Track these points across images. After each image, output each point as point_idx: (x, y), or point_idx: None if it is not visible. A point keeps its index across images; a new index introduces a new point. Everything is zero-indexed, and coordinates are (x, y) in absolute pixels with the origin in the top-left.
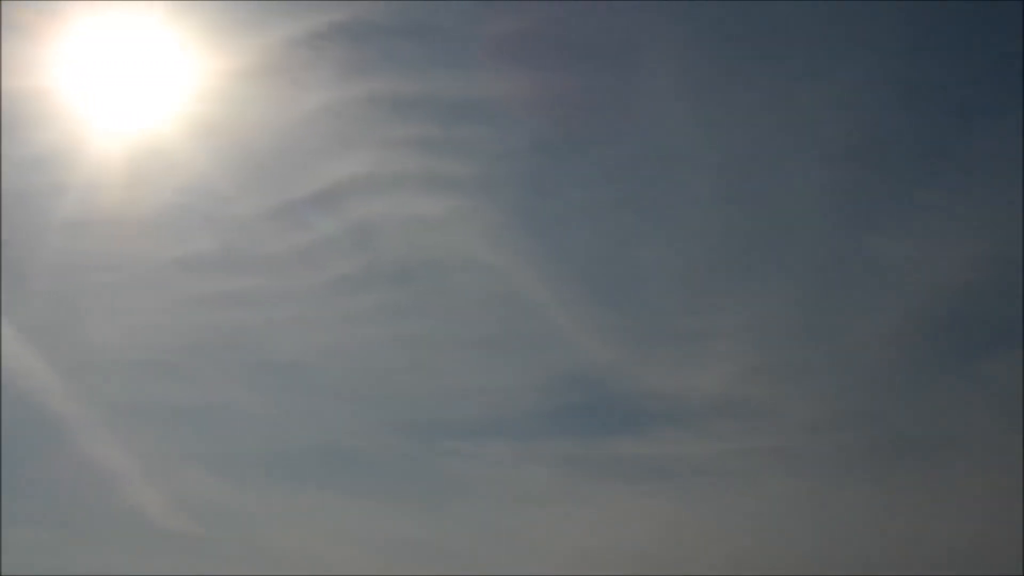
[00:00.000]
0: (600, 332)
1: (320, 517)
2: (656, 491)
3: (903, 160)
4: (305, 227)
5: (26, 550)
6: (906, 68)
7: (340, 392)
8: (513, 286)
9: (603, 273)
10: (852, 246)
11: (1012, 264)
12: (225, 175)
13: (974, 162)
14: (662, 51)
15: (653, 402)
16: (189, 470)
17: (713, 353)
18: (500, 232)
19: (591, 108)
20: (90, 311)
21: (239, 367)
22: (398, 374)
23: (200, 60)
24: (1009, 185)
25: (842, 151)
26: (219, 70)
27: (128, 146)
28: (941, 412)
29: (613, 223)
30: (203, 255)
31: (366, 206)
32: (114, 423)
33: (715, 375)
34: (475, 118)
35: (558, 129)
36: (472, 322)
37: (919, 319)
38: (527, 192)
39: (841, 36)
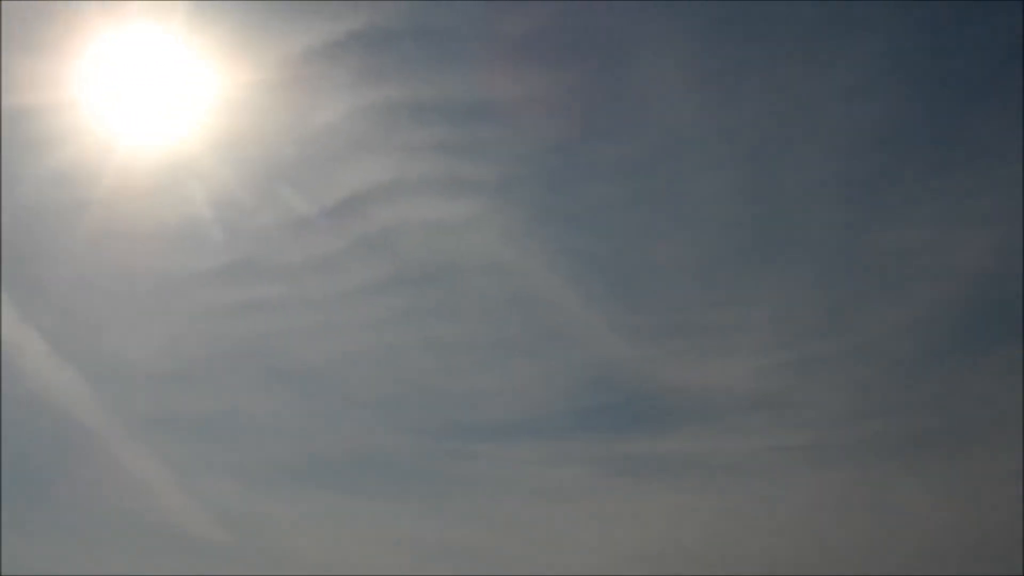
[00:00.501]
0: (623, 330)
1: (348, 521)
2: (685, 488)
3: (921, 147)
4: (327, 235)
5: (59, 560)
6: (921, 54)
7: (366, 397)
8: (535, 287)
9: (624, 270)
10: (872, 236)
11: None
12: (247, 186)
13: (994, 147)
14: (673, 46)
15: (678, 399)
16: (216, 478)
17: (737, 348)
18: (520, 233)
19: (604, 105)
20: (116, 323)
21: (265, 375)
22: (423, 378)
23: (218, 72)
24: None
25: (858, 140)
26: (238, 82)
27: (149, 159)
28: (969, 401)
29: (631, 220)
30: (226, 265)
31: (387, 212)
32: (141, 433)
33: (740, 370)
34: (492, 120)
35: (573, 127)
36: (495, 324)
37: (944, 307)
38: (545, 192)
39: (853, 23)
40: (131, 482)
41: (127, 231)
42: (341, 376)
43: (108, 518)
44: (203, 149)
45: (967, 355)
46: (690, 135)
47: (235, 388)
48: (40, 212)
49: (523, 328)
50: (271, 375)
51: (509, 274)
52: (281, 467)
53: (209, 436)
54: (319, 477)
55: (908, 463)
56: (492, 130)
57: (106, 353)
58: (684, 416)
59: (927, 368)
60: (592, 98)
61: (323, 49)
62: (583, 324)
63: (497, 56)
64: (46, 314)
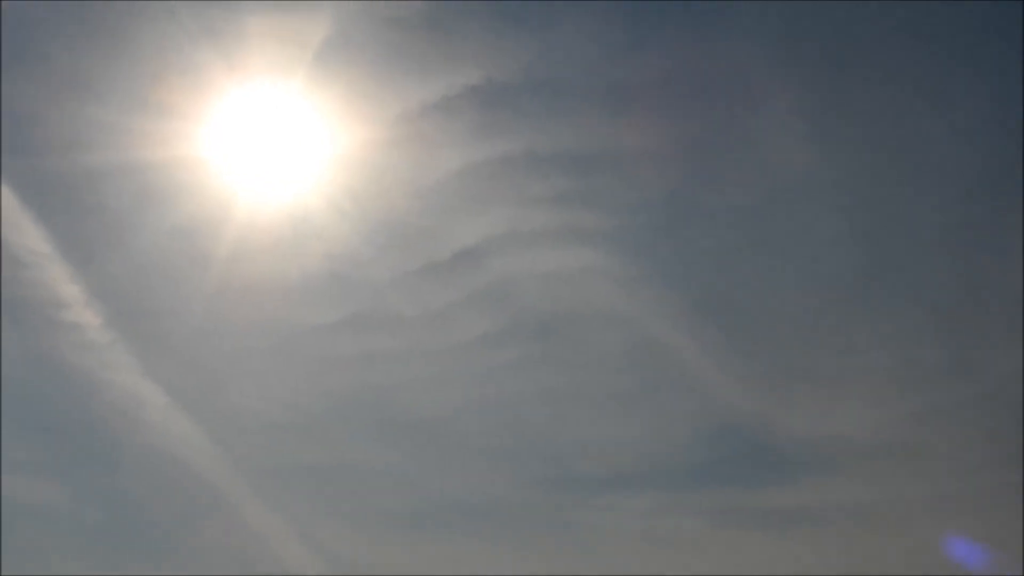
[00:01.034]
0: (742, 379)
1: (464, 571)
2: (805, 540)
3: None
4: (444, 287)
5: None
6: None
7: (482, 448)
8: (651, 336)
9: (741, 319)
10: (991, 278)
11: None
12: (365, 240)
13: None
14: (785, 90)
15: (798, 449)
16: (333, 528)
17: (857, 395)
18: (636, 282)
19: (719, 153)
20: (235, 376)
21: (382, 426)
22: (539, 429)
23: (337, 129)
24: None
25: (973, 183)
26: (356, 139)
27: (270, 214)
28: None
29: (747, 267)
30: (344, 318)
31: (503, 263)
32: (260, 484)
33: (861, 418)
34: (607, 169)
35: (688, 176)
36: (611, 374)
37: None
38: (661, 240)
39: (970, 66)
40: (249, 532)
41: (247, 285)
42: (458, 427)
43: (227, 567)
44: (322, 204)
45: None
46: (806, 181)
47: (352, 439)
48: (163, 266)
49: (640, 378)
50: (388, 426)
51: (625, 324)
52: (397, 517)
53: (327, 486)
54: (435, 527)
55: None
56: (607, 180)
57: (225, 405)
58: (804, 467)
59: None
60: (706, 146)
61: (440, 103)
62: (700, 374)
63: (611, 106)
64: (167, 367)
